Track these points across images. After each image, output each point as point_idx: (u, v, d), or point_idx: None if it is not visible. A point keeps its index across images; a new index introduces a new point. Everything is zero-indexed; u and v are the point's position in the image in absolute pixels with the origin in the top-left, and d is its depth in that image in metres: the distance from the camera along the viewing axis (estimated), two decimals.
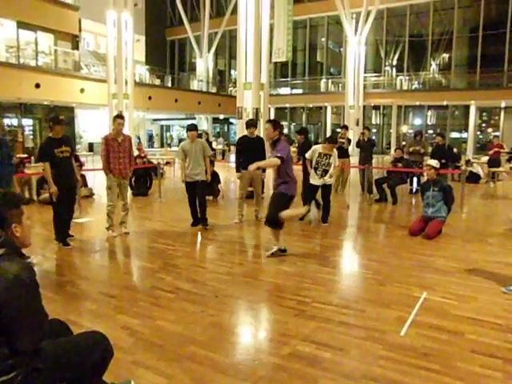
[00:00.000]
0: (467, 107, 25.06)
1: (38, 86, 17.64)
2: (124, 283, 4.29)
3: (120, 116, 6.18)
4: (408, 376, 2.64)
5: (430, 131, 26.21)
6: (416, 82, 26.91)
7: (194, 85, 29.55)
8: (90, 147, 22.55)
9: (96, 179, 10.50)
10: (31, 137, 20.13)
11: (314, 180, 6.93)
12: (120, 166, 5.94)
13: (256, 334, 3.26)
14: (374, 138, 23.03)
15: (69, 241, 5.60)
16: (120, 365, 2.61)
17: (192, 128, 6.53)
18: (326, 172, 6.84)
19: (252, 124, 6.92)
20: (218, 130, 33.92)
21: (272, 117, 28.18)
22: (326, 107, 29.11)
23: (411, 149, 10.35)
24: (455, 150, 13.87)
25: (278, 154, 4.88)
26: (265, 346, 3.03)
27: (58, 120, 5.46)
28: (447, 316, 3.50)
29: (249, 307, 3.72)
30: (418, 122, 28.13)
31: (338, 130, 12.25)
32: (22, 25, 19.23)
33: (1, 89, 16.43)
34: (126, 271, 4.84)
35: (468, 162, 13.47)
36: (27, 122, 20.40)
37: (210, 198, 9.13)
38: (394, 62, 27.86)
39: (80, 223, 6.89)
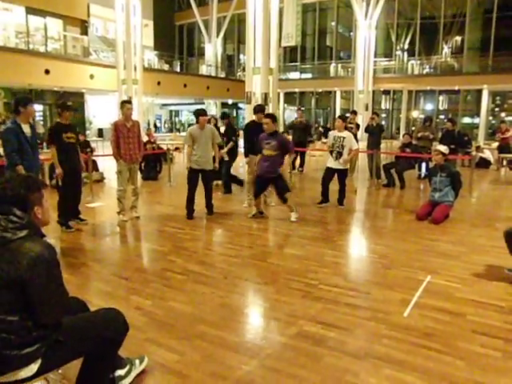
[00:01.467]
0: (479, 91, 24.70)
1: (47, 71, 17.76)
2: (136, 265, 4.42)
3: (128, 101, 6.26)
4: (410, 355, 2.73)
5: (442, 116, 25.95)
6: (427, 67, 26.50)
7: (203, 70, 29.46)
8: (100, 133, 22.71)
9: (106, 164, 10.64)
10: (41, 123, 20.32)
11: (330, 163, 7.11)
12: (130, 152, 6.03)
13: (264, 315, 3.37)
14: (383, 123, 22.82)
15: (82, 225, 5.75)
16: (134, 342, 2.74)
17: (202, 113, 6.25)
18: (340, 154, 6.97)
19: (260, 109, 6.87)
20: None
21: (281, 101, 28.08)
22: (335, 92, 28.89)
23: (420, 134, 10.31)
24: (467, 135, 13.76)
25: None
26: (272, 325, 3.14)
27: (67, 106, 5.51)
28: (450, 298, 3.59)
29: (257, 289, 3.84)
30: (429, 107, 27.80)
31: (347, 114, 12.23)
32: (30, 10, 19.29)
33: (11, 75, 16.57)
34: (138, 254, 4.98)
35: (478, 148, 13.36)
36: (37, 108, 20.58)
37: (219, 182, 9.22)
38: (406, 46, 27.43)
39: (92, 208, 7.04)
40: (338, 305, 3.45)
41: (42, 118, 20.70)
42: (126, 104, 6.04)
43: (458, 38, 25.99)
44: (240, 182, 8.66)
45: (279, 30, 16.27)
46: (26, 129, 4.68)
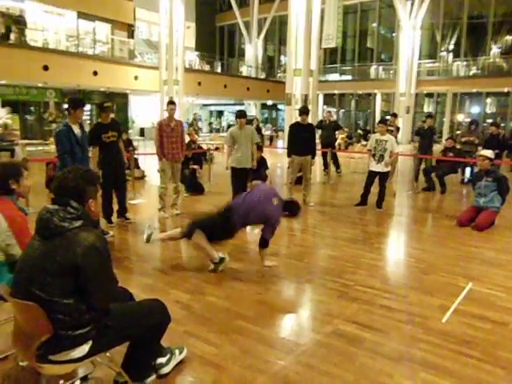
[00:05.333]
0: None
1: (95, 73, 18.52)
2: (176, 261, 4.58)
3: (171, 102, 6.46)
4: (448, 360, 2.70)
5: (489, 120, 24.87)
6: (474, 68, 25.52)
7: (243, 71, 29.72)
8: (142, 132, 23.41)
9: (147, 162, 10.99)
10: (88, 122, 21.20)
11: (372, 166, 7.11)
12: (173, 151, 6.23)
13: (300, 312, 3.42)
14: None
15: (127, 223, 6.00)
16: (173, 333, 2.85)
17: (241, 115, 6.55)
18: (382, 157, 6.97)
19: (305, 111, 7.14)
20: (266, 115, 34.01)
21: (320, 103, 27.88)
22: (375, 94, 28.38)
23: (464, 139, 9.99)
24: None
25: None
26: (308, 323, 3.19)
27: (103, 107, 5.67)
28: (492, 307, 3.50)
29: (294, 287, 3.89)
30: (475, 110, 26.75)
31: (387, 117, 12.03)
32: (82, 15, 20.19)
33: (62, 76, 17.41)
34: (178, 250, 5.13)
35: None
36: (86, 108, 21.46)
37: (258, 182, 9.32)
38: (451, 47, 26.53)
39: (134, 204, 7.30)
40: (374, 306, 3.45)
41: (89, 117, 21.58)
42: (169, 105, 6.26)
43: (509, 38, 24.86)
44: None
45: (320, 32, 16.24)
46: (76, 129, 4.92)
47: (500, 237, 5.69)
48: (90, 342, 1.95)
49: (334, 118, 12.14)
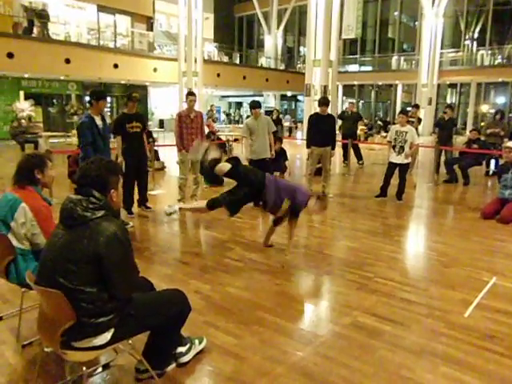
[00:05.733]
0: None
1: (116, 66, 18.70)
2: (195, 251, 4.62)
3: (191, 93, 6.46)
4: (470, 355, 2.66)
5: None
6: (499, 57, 24.74)
7: (262, 62, 29.55)
8: (161, 124, 23.58)
9: (166, 153, 11.07)
10: (108, 113, 21.46)
11: (392, 157, 7.02)
12: (192, 142, 6.23)
13: (319, 303, 3.41)
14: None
15: (148, 212, 6.07)
16: (193, 323, 2.88)
17: (255, 105, 6.55)
18: (402, 149, 6.86)
19: (324, 102, 7.08)
20: (285, 107, 33.81)
21: (340, 94, 27.53)
22: (396, 85, 27.86)
23: (489, 131, 9.72)
24: None
25: None
26: (327, 314, 3.18)
27: (131, 97, 5.78)
28: None
29: (313, 278, 3.88)
30: (500, 100, 26.00)
31: (409, 108, 11.82)
32: (102, 8, 20.36)
33: (83, 69, 17.64)
34: (197, 240, 5.18)
35: None
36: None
37: (277, 173, 9.31)
38: (475, 35, 25.76)
39: (153, 195, 7.38)
40: (394, 299, 3.41)
41: (109, 110, 21.85)
42: (188, 96, 6.27)
43: None
44: None
45: (340, 22, 16.00)
46: (98, 121, 4.99)
47: None
48: (112, 330, 1.98)
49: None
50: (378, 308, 3.24)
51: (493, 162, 9.98)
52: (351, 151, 10.66)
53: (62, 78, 18.72)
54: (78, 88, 20.26)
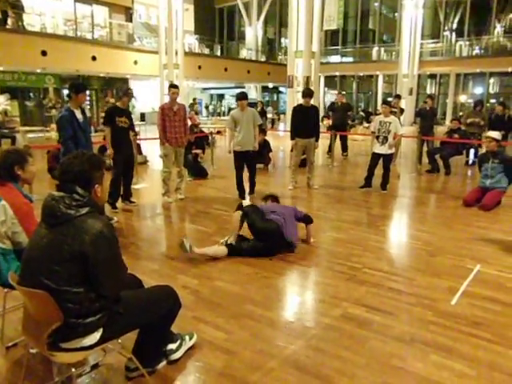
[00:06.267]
0: None
1: (94, 58, 18.29)
2: None
3: (174, 85, 6.36)
4: (458, 342, 2.69)
5: (493, 100, 24.58)
6: (477, 48, 25.11)
7: (243, 53, 29.34)
8: (142, 117, 23.23)
9: (149, 147, 10.92)
10: (88, 107, 21.02)
11: (376, 148, 7.06)
12: (176, 135, 6.16)
13: (308, 296, 3.41)
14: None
15: (132, 206, 5.99)
16: (182, 319, 2.83)
17: (242, 97, 6.43)
18: (386, 139, 6.91)
19: (308, 94, 7.06)
20: (267, 98, 33.69)
21: (322, 85, 27.56)
22: (377, 76, 28.05)
23: (469, 120, 9.86)
24: None
25: None
26: (317, 306, 3.17)
27: (127, 92, 5.88)
28: (502, 288, 3.48)
29: (301, 270, 3.87)
30: (478, 90, 26.44)
31: (389, 99, 11.90)
32: None
33: (60, 62, 17.20)
34: (183, 235, 5.11)
35: None
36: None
37: (261, 166, 9.29)
38: (454, 26, 26.05)
39: (137, 189, 7.26)
40: (382, 289, 3.44)
41: (89, 103, 21.39)
42: (171, 88, 6.18)
43: None
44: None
45: (321, 13, 15.96)
46: (78, 114, 4.87)
47: (507, 217, 5.66)
48: (101, 330, 1.93)
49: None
50: (367, 298, 3.26)
51: (471, 151, 10.15)
52: (336, 142, 10.70)
53: (38, 70, 18.21)
54: (55, 81, 19.74)
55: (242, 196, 6.55)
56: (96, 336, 1.91)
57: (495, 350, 2.62)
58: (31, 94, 20.07)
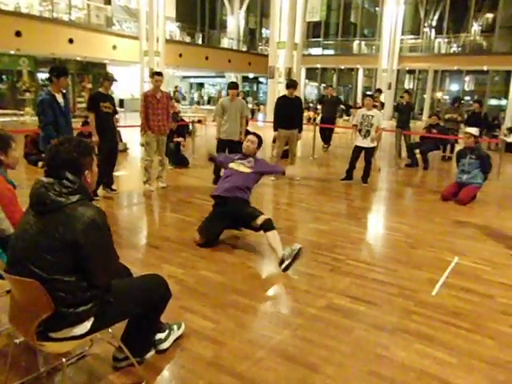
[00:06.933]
0: (509, 72, 23.83)
1: (71, 41, 17.77)
2: (165, 235, 4.51)
3: (158, 73, 6.28)
4: (439, 331, 2.78)
5: (467, 98, 25.17)
6: (455, 45, 25.59)
7: (225, 43, 29.05)
8: (121, 103, 22.75)
9: (128, 135, 10.72)
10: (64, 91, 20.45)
11: (358, 141, 7.12)
12: (159, 123, 6.08)
13: (293, 286, 3.43)
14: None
15: (113, 194, 5.90)
16: (169, 309, 2.77)
17: (233, 86, 6.55)
18: (368, 132, 6.97)
19: (292, 85, 7.07)
20: (246, 88, 33.52)
21: (303, 77, 27.59)
22: (357, 69, 28.27)
23: (447, 116, 10.10)
24: (497, 119, 13.46)
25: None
26: (302, 297, 3.21)
27: (108, 77, 5.75)
28: (478, 280, 3.60)
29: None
30: (454, 87, 27.01)
31: (369, 92, 12.04)
32: None
33: (35, 43, 16.64)
34: (166, 224, 5.07)
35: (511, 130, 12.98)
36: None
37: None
38: (434, 23, 26.44)
39: (117, 176, 7.13)
40: (366, 280, 3.50)
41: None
42: (155, 76, 6.08)
43: (490, 16, 24.91)
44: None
45: (305, 4, 15.91)
46: (59, 98, 4.75)
47: (481, 211, 5.85)
48: (92, 319, 1.90)
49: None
50: (351, 289, 3.31)
51: (448, 147, 10.39)
52: (316, 134, 10.77)
53: (12, 52, 17.57)
54: (30, 63, 19.07)
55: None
56: (87, 325, 1.88)
57: (474, 339, 2.72)
58: (4, 77, 19.38)
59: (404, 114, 9.83)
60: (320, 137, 11.20)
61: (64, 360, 1.84)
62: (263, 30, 31.37)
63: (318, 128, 10.83)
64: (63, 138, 1.99)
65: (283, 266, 3.58)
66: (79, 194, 1.87)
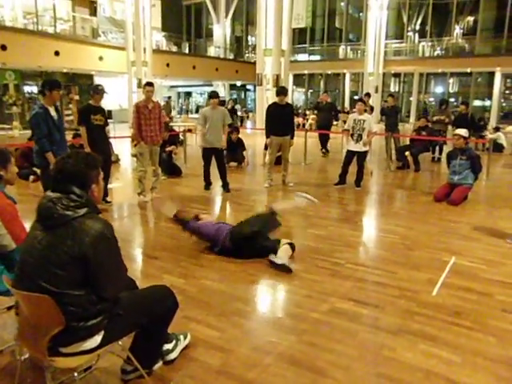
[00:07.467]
0: (492, 74, 24.29)
1: (57, 53, 17.70)
2: (163, 245, 4.50)
3: (149, 83, 6.29)
4: (442, 331, 2.81)
5: (452, 99, 25.58)
6: (438, 48, 26.04)
7: (211, 51, 29.17)
8: (109, 114, 22.65)
9: (118, 146, 10.69)
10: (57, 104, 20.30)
11: (350, 146, 7.18)
12: (151, 134, 6.08)
13: (295, 292, 3.44)
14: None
15: (107, 206, 5.87)
16: (174, 319, 2.79)
17: (214, 95, 6.73)
18: (360, 137, 7.04)
19: (282, 92, 7.12)
20: (234, 96, 33.63)
21: (290, 83, 27.77)
22: (344, 74, 28.56)
23: (435, 118, 10.26)
24: (483, 119, 13.69)
25: None
26: (305, 302, 3.22)
27: (97, 89, 5.70)
28: (476, 279, 3.65)
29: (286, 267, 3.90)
30: (439, 89, 27.42)
31: (356, 97, 12.19)
32: None
33: (21, 57, 16.52)
34: (163, 234, 5.05)
35: (498, 129, 13.17)
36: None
37: (235, 164, 9.31)
38: (417, 27, 26.88)
39: (110, 188, 7.10)
40: (367, 283, 3.53)
41: None
42: (146, 86, 6.09)
43: (471, 19, 25.42)
44: None
45: (290, 11, 16.08)
46: (52, 112, 4.73)
47: (473, 210, 5.94)
48: (102, 333, 1.89)
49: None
50: (353, 293, 3.34)
51: (437, 148, 10.54)
52: (308, 140, 10.86)
53: None
54: (16, 77, 18.94)
55: (207, 187, 7.02)
56: (97, 339, 1.88)
57: (476, 337, 2.76)
58: None
59: (391, 117, 9.97)
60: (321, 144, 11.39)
61: (76, 374, 1.83)
62: (249, 38, 31.57)
63: (308, 134, 10.92)
64: (70, 152, 2.00)
65: (274, 259, 3.81)
66: (86, 208, 1.88)
